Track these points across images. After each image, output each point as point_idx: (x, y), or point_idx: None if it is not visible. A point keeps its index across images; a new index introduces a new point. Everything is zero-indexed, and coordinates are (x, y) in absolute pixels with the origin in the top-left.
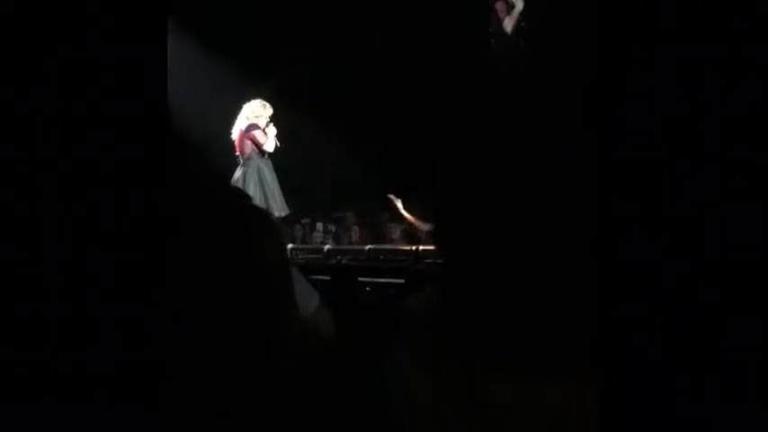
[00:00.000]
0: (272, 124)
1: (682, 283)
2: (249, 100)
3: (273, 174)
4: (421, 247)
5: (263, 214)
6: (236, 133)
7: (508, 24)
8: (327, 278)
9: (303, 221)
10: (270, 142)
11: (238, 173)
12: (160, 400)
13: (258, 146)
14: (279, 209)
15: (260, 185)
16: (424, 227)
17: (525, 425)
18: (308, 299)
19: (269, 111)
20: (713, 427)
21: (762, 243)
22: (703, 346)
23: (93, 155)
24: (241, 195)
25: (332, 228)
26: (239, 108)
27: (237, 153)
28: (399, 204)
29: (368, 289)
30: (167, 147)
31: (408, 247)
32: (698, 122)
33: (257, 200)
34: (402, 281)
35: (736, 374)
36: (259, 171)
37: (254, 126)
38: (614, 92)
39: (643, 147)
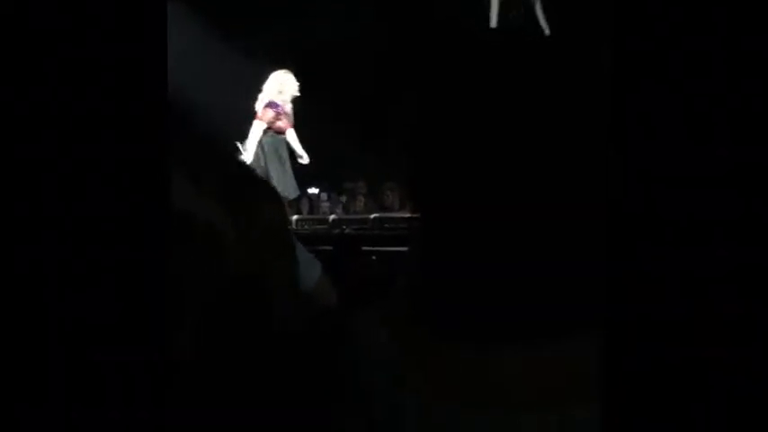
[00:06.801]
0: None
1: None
2: (275, 69)
3: (287, 153)
4: None
5: (265, 184)
6: (260, 105)
7: None
8: (330, 248)
9: (310, 192)
10: (288, 124)
11: (255, 145)
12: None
13: (277, 127)
14: (290, 191)
15: (275, 163)
16: None
17: (513, 395)
18: (309, 270)
19: (294, 85)
20: (716, 398)
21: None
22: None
23: (93, 155)
24: (242, 165)
25: (342, 198)
26: (265, 77)
27: (265, 124)
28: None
29: (373, 258)
30: (168, 146)
31: (413, 216)
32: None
33: (274, 179)
34: (407, 249)
35: (742, 351)
36: (276, 148)
37: (275, 104)
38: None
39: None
